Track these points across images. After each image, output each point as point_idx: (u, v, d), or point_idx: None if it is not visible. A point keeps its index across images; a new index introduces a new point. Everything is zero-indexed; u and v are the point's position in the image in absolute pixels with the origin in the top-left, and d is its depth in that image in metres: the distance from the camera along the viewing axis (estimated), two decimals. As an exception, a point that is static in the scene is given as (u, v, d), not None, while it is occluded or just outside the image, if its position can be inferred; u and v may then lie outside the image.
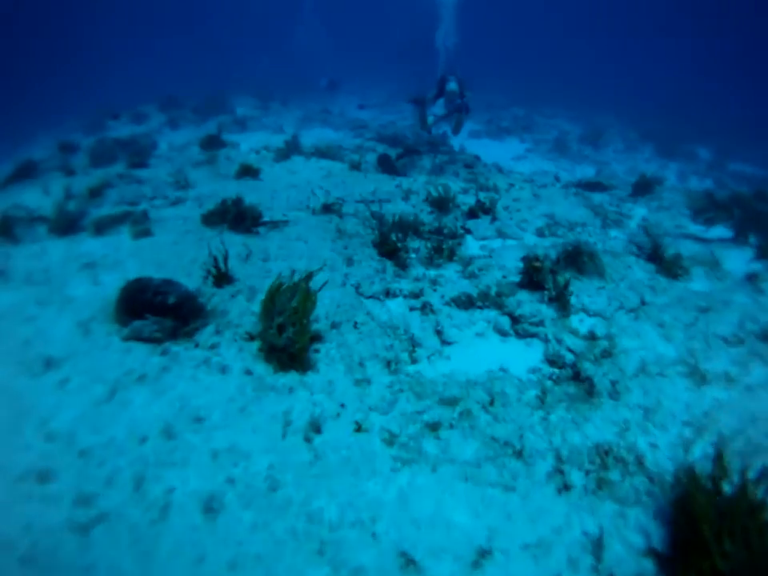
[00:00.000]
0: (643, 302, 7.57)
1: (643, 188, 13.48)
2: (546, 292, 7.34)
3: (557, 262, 8.03)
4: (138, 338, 6.01)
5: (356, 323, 6.25)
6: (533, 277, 7.36)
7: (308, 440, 4.67)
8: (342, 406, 5.06)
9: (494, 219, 10.13)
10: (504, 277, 7.86)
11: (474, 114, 24.54)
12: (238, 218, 8.36)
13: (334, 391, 5.22)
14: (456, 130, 16.24)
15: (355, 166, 12.25)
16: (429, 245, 8.43)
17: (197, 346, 5.85)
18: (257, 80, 30.79)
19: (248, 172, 11.65)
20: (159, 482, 4.27)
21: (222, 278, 6.93)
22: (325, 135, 19.37)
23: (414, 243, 8.84)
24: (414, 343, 6.26)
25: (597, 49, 54.26)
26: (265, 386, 5.24)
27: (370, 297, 7.02)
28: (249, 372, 5.43)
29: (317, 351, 5.76)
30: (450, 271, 8.09)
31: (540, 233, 10.11)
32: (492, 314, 7.13)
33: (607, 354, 6.27)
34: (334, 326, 6.18)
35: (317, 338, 5.89)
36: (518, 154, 20.17)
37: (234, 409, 5.00)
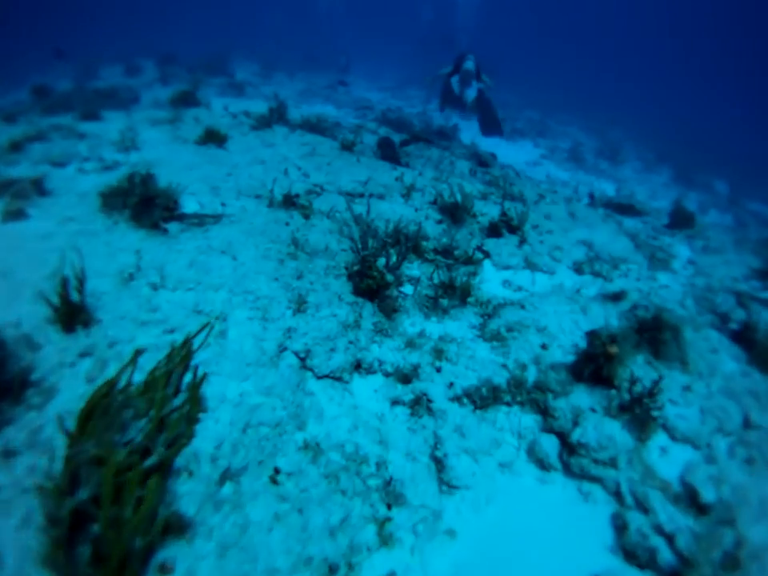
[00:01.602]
0: (748, 423, 4.31)
1: (682, 221, 10.06)
2: (614, 391, 4.03)
3: (623, 336, 4.68)
4: None
5: (277, 471, 2.77)
6: (603, 369, 3.99)
7: None
8: None
9: (522, 242, 6.73)
10: (544, 347, 4.50)
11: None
12: (143, 204, 4.87)
13: None
14: (485, 130, 13.12)
15: (347, 147, 8.75)
16: (435, 277, 5.06)
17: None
18: (266, 47, 26.88)
19: (212, 138, 8.13)
20: None
21: (72, 316, 3.51)
22: (325, 111, 15.85)
23: (412, 268, 5.48)
24: (391, 494, 2.92)
25: (614, 62, 50.11)
26: None
27: (326, 376, 3.62)
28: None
29: (168, 572, 2.30)
30: (463, 325, 4.72)
31: (578, 268, 6.75)
32: (528, 420, 3.80)
33: (732, 562, 3.01)
34: (230, 476, 2.70)
35: (173, 527, 2.39)
36: (532, 159, 16.66)
37: None
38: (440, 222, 6.62)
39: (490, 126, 13.46)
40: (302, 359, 3.65)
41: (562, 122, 23.82)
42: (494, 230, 6.70)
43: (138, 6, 35.20)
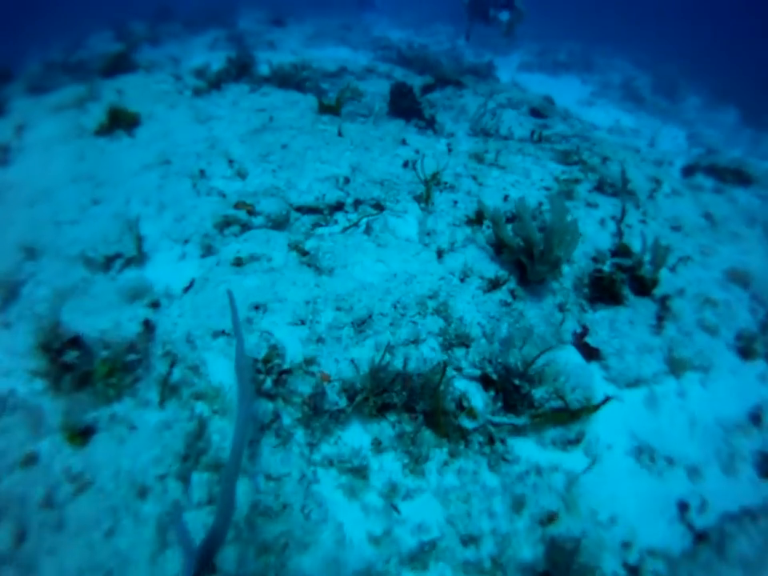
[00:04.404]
0: None
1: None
2: None
3: None
4: None
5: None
6: None
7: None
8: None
9: (662, 316, 2.71)
10: None
11: (523, 42, 16.19)
12: None
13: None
14: (509, 32, 8.76)
15: (329, 108, 4.61)
16: None
17: None
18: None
19: (119, 122, 4.19)
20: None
21: None
22: (337, 55, 11.58)
23: (425, 480, 1.68)
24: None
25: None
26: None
27: None
28: None
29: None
30: None
31: (745, 346, 2.82)
32: None
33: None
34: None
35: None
36: (583, 98, 11.94)
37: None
38: (493, 285, 2.57)
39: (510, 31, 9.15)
40: None
41: (606, 54, 18.32)
42: (604, 289, 2.69)
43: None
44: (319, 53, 11.91)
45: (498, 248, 2.72)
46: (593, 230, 3.20)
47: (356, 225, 3.15)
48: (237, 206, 2.90)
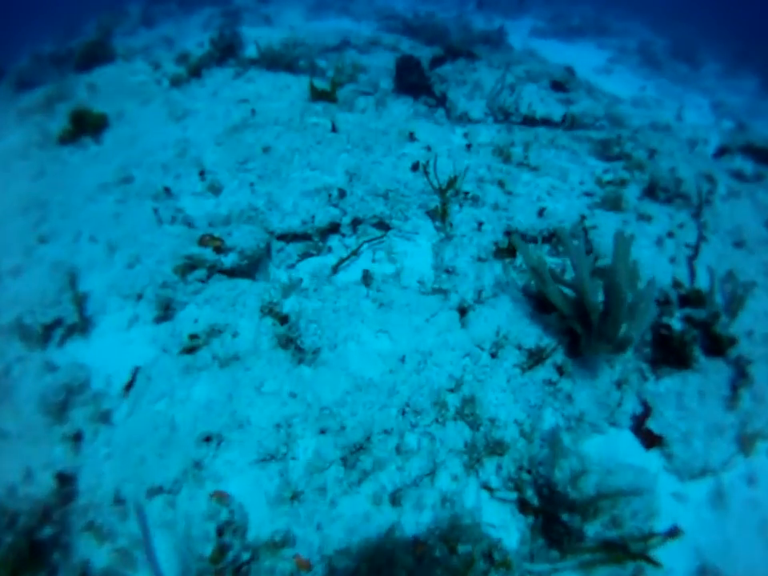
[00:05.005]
0: None
1: None
2: None
3: None
4: None
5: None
6: None
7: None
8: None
9: (738, 384, 2.03)
10: None
11: (532, 7, 15.10)
12: None
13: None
14: None
15: (322, 94, 3.80)
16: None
17: None
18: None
19: (83, 126, 3.54)
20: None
21: None
22: (339, 26, 10.53)
23: None
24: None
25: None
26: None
27: None
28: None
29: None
30: None
31: None
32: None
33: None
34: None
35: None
36: (599, 65, 10.83)
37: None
38: (535, 360, 1.87)
39: None
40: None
41: (621, 17, 16.88)
42: (671, 351, 2.02)
43: None
44: (319, 25, 10.89)
45: (540, 300, 2.03)
46: (649, 255, 2.49)
47: (355, 254, 2.49)
48: (203, 241, 2.22)
